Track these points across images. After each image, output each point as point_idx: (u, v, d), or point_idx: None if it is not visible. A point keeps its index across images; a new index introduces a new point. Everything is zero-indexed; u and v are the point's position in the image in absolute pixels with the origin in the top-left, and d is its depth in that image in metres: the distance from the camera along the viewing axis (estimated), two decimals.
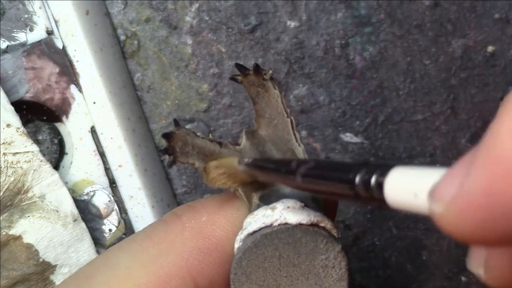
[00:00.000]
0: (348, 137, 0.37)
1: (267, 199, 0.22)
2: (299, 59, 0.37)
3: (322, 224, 0.20)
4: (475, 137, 0.37)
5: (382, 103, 0.37)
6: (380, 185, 0.15)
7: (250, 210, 0.22)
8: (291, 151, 0.22)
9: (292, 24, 0.36)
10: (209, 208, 0.22)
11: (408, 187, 0.14)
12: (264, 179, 0.21)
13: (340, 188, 0.16)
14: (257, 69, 0.22)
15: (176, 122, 0.22)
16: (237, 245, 0.21)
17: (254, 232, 0.20)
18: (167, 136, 0.21)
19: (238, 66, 0.22)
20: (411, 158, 0.37)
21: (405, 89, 0.37)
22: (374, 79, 0.36)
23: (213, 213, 0.22)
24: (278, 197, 0.21)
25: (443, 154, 0.37)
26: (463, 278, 0.38)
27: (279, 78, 0.37)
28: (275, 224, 0.20)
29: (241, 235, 0.21)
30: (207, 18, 0.36)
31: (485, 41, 0.36)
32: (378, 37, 0.36)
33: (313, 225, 0.20)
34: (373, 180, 0.15)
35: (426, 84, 0.36)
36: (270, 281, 0.20)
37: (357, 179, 0.16)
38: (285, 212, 0.20)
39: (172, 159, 0.22)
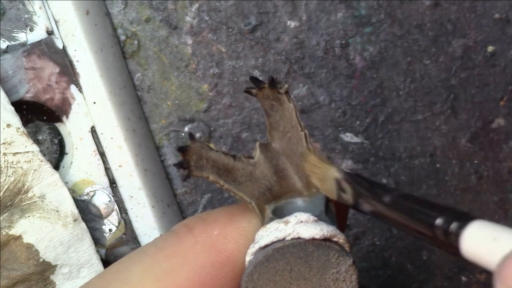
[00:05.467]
0: (348, 137, 0.37)
1: (280, 212, 0.22)
2: (299, 59, 0.37)
3: (334, 239, 0.20)
4: (475, 137, 0.37)
5: (382, 103, 0.37)
6: (458, 234, 0.16)
7: (263, 222, 0.22)
8: None
9: (292, 24, 0.36)
10: (221, 221, 0.22)
11: (484, 246, 0.15)
12: (349, 197, 0.21)
13: (420, 226, 0.17)
14: (272, 82, 0.22)
15: (191, 136, 0.22)
16: (248, 258, 0.21)
17: (266, 246, 0.20)
18: (182, 149, 0.21)
19: (252, 79, 0.22)
20: (411, 158, 0.37)
21: (405, 89, 0.37)
22: (374, 79, 0.36)
23: (225, 226, 0.22)
24: (291, 210, 0.21)
25: (443, 154, 0.37)
26: (463, 278, 0.38)
27: (280, 78, 0.37)
28: (288, 238, 0.20)
29: (253, 249, 0.21)
30: (207, 18, 0.36)
31: (485, 41, 0.36)
32: (378, 37, 0.36)
33: (325, 239, 0.20)
34: (453, 227, 0.16)
35: (426, 84, 0.36)
36: None
37: (438, 222, 0.17)
38: (298, 227, 0.20)
39: (187, 173, 0.21)
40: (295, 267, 0.20)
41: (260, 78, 0.23)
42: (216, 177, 0.22)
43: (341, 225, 0.23)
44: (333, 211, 0.22)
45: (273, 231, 0.20)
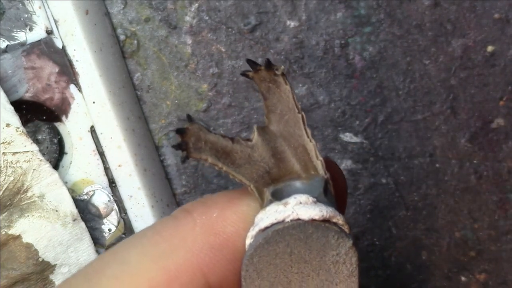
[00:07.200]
0: (347, 137, 0.37)
1: (279, 194, 0.22)
2: (298, 59, 0.37)
3: (334, 220, 0.20)
4: (475, 137, 0.37)
5: (382, 103, 0.37)
6: None
7: (262, 205, 0.22)
8: (302, 146, 0.22)
9: (291, 24, 0.36)
10: (220, 204, 0.22)
11: None
12: None
13: None
14: (269, 64, 0.22)
15: (190, 118, 0.22)
16: (248, 241, 0.21)
17: (266, 228, 0.20)
18: (180, 131, 0.21)
19: (249, 61, 0.22)
20: (411, 158, 0.37)
21: (405, 89, 0.37)
22: (374, 79, 0.36)
23: (224, 209, 0.22)
24: (290, 192, 0.21)
25: (442, 154, 0.37)
26: (462, 278, 0.38)
27: None
28: (287, 220, 0.20)
29: (253, 232, 0.21)
30: (207, 18, 0.36)
31: (484, 41, 0.36)
32: (378, 37, 0.36)
33: (325, 220, 0.20)
34: None
35: (426, 84, 0.36)
36: (281, 278, 0.20)
37: None
38: (297, 208, 0.20)
39: (186, 155, 0.21)
40: (295, 249, 0.20)
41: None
42: (214, 160, 0.22)
43: (341, 207, 0.23)
44: (332, 193, 0.22)
45: (273, 213, 0.20)
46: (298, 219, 0.20)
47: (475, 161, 0.37)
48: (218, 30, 0.36)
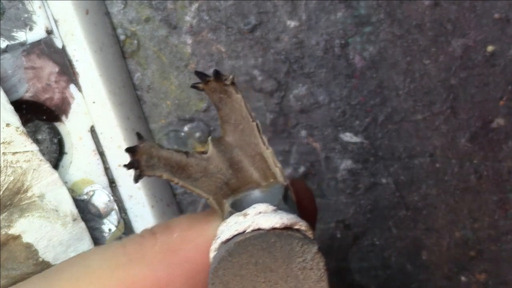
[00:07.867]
0: (347, 136, 0.37)
1: (239, 205, 0.21)
2: (298, 58, 0.37)
3: (296, 226, 0.20)
4: (475, 137, 0.37)
5: (382, 102, 0.37)
6: None
7: (223, 218, 0.22)
8: (260, 154, 0.22)
9: (292, 23, 0.36)
10: (182, 225, 0.23)
11: None
12: None
13: None
14: (217, 75, 0.22)
15: (139, 136, 0.22)
16: (212, 254, 0.21)
17: (227, 240, 0.20)
18: (130, 150, 0.22)
19: (197, 73, 0.22)
20: (411, 158, 0.37)
21: (405, 89, 0.37)
22: (374, 79, 0.36)
23: (185, 230, 0.23)
24: (250, 202, 0.21)
25: (442, 154, 0.37)
26: (463, 278, 0.38)
27: (279, 78, 0.37)
28: (248, 230, 0.20)
29: (215, 244, 0.21)
30: (207, 17, 0.36)
31: (485, 41, 0.36)
32: (378, 36, 0.36)
33: (286, 228, 0.20)
34: None
35: (426, 83, 0.36)
36: None
37: None
38: (257, 218, 0.20)
39: (138, 173, 0.22)
40: (259, 259, 0.20)
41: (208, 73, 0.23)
42: (169, 175, 0.22)
43: (311, 213, 0.23)
44: (293, 199, 0.22)
45: (233, 225, 0.20)
46: (259, 229, 0.20)
47: (475, 161, 0.37)
48: (218, 30, 0.36)
